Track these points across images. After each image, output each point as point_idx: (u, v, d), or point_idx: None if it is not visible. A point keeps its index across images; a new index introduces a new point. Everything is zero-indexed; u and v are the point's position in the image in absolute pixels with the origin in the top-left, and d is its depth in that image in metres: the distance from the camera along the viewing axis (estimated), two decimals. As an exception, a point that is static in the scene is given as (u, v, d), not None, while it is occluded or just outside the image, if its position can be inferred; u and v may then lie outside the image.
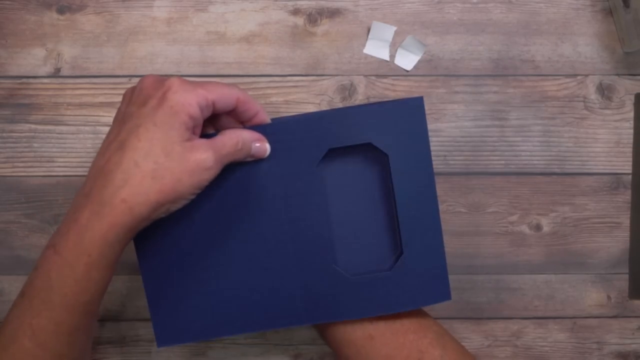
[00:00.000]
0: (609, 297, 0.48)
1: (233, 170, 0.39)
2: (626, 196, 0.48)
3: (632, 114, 0.49)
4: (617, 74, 0.49)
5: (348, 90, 0.48)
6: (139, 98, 0.35)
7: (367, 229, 0.41)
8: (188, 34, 0.48)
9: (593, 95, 0.48)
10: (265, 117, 0.39)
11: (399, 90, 0.48)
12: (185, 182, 0.34)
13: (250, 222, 0.40)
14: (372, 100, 0.48)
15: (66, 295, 0.34)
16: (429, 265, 0.40)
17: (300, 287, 0.40)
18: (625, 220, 0.48)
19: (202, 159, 0.35)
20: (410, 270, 0.40)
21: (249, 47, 0.48)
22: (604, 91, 0.49)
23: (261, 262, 0.40)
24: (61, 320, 0.34)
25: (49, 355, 0.35)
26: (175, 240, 0.40)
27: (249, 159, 0.39)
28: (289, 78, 0.48)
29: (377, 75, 0.48)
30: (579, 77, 0.49)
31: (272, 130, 0.39)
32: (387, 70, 0.48)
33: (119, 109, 0.37)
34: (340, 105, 0.48)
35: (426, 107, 0.48)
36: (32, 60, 0.47)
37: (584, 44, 0.49)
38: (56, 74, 0.47)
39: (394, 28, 0.48)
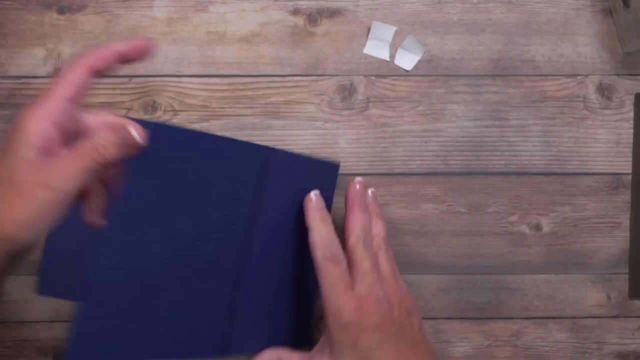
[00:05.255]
0: (609, 297, 0.48)
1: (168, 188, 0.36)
2: (626, 196, 0.48)
3: (632, 114, 0.49)
4: (617, 74, 0.49)
5: (348, 90, 0.48)
6: None
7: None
8: (188, 34, 0.48)
9: (593, 95, 0.49)
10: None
11: (399, 90, 0.48)
12: (22, 209, 0.30)
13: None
14: (372, 100, 0.48)
15: None
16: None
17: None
18: (625, 220, 0.48)
19: (44, 181, 0.31)
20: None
21: (249, 47, 0.48)
22: (604, 91, 0.49)
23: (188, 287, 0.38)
24: None
25: None
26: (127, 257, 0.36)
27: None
28: (289, 78, 0.48)
29: (377, 75, 0.48)
30: (578, 77, 0.49)
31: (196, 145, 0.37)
32: (387, 70, 0.48)
33: None
34: (340, 105, 0.48)
35: (426, 107, 0.48)
36: (32, 60, 0.47)
37: (584, 44, 0.49)
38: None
39: (394, 28, 0.48)
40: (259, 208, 0.40)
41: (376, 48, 0.48)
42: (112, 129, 0.32)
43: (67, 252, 0.45)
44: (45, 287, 0.45)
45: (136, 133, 0.32)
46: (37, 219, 0.31)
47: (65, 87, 0.32)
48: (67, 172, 0.31)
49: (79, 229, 0.37)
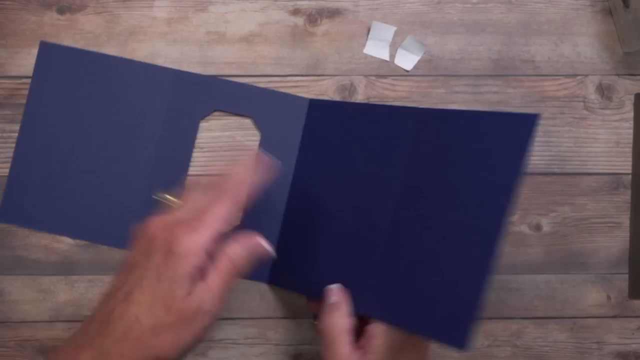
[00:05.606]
0: (609, 297, 0.48)
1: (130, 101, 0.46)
2: (626, 196, 0.48)
3: (631, 114, 0.49)
4: (617, 74, 0.49)
5: (348, 90, 0.48)
6: (146, 247, 0.35)
7: None
8: (188, 34, 0.48)
9: (593, 95, 0.49)
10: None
11: (399, 90, 0.48)
12: (183, 335, 0.34)
13: (127, 143, 0.46)
14: (372, 100, 0.48)
15: None
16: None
17: (140, 219, 0.38)
18: (625, 220, 0.48)
19: (201, 308, 0.34)
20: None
21: (249, 47, 0.48)
22: (604, 91, 0.49)
23: (116, 184, 0.46)
24: None
25: None
26: (59, 137, 0.46)
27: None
28: (289, 78, 0.48)
29: (377, 75, 0.48)
30: (578, 77, 0.49)
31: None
32: (387, 70, 0.48)
33: (130, 254, 0.36)
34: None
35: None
36: (32, 60, 0.47)
37: (583, 44, 0.49)
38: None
39: (394, 28, 0.48)
40: (412, 167, 0.40)
41: (376, 48, 0.48)
42: (240, 242, 0.37)
43: (33, 180, 0.47)
44: (6, 215, 0.46)
45: (266, 245, 0.37)
46: (196, 343, 0.35)
47: (220, 223, 0.35)
48: (219, 295, 0.35)
49: (49, 159, 0.46)
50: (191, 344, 0.34)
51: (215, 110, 0.47)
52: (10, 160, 0.47)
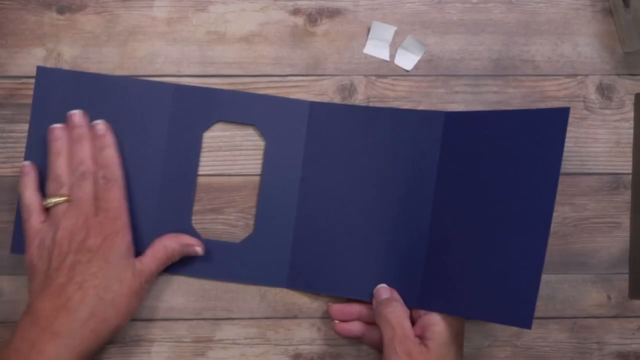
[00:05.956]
0: (609, 297, 0.48)
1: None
2: (626, 196, 0.48)
3: (632, 114, 0.49)
4: (617, 74, 0.49)
5: (348, 90, 0.48)
6: (70, 248, 0.41)
7: None
8: (188, 34, 0.48)
9: (593, 95, 0.48)
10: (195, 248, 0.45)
11: (399, 90, 0.48)
12: (135, 302, 0.43)
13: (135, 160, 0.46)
14: (372, 100, 0.48)
15: None
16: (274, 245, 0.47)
17: (152, 236, 0.45)
18: (625, 220, 0.48)
19: (146, 279, 0.43)
20: (257, 247, 0.47)
21: (249, 47, 0.48)
22: (604, 91, 0.49)
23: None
24: None
25: None
26: None
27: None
28: (289, 78, 0.48)
29: (377, 75, 0.48)
30: (579, 77, 0.49)
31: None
32: (387, 70, 0.48)
33: (36, 267, 0.42)
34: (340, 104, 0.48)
35: (426, 107, 0.48)
36: (32, 60, 0.47)
37: (584, 44, 0.49)
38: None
39: (394, 28, 0.48)
40: (446, 168, 0.44)
41: (376, 48, 0.48)
42: (175, 237, 0.45)
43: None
44: (19, 247, 0.46)
45: (199, 249, 0.45)
46: (138, 307, 0.44)
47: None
48: (155, 273, 0.44)
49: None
50: (137, 309, 0.43)
51: (217, 121, 0.47)
52: (9, 160, 0.47)
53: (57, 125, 0.44)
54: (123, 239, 0.42)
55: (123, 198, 0.43)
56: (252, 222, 0.47)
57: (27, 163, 0.45)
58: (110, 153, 0.44)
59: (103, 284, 0.41)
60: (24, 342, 0.39)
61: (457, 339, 0.43)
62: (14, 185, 0.47)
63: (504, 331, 0.48)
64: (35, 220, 0.43)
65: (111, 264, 0.41)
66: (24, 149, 0.47)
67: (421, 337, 0.42)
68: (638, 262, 0.48)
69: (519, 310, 0.39)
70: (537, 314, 0.48)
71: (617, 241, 0.48)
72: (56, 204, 0.42)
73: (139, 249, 0.44)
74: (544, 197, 0.39)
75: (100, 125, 0.44)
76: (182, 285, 0.47)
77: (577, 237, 0.48)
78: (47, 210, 0.43)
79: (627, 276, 0.48)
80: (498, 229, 0.41)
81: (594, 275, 0.48)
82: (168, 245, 0.44)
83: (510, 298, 0.40)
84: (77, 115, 0.44)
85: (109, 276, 0.41)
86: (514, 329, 0.48)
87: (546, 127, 0.39)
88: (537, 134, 0.40)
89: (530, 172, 0.40)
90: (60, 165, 0.43)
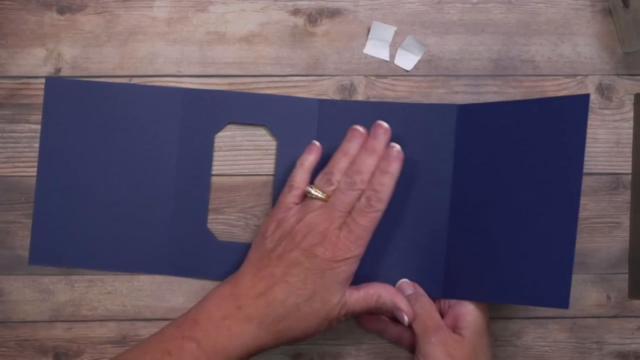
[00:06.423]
0: (608, 297, 0.48)
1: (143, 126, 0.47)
2: (626, 196, 0.48)
3: (631, 114, 0.49)
4: (617, 74, 0.49)
5: (348, 90, 0.48)
6: (300, 243, 0.40)
7: None
8: (188, 34, 0.48)
9: (593, 96, 0.49)
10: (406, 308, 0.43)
11: (399, 90, 0.48)
12: (324, 328, 0.41)
13: (141, 173, 0.46)
14: (372, 100, 0.48)
15: None
16: None
17: (169, 241, 0.46)
18: (625, 220, 0.48)
19: (345, 314, 0.41)
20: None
21: (249, 47, 0.48)
22: (604, 91, 0.49)
23: (141, 209, 0.46)
24: None
25: None
26: (77, 173, 0.46)
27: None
28: (289, 78, 0.48)
29: (377, 75, 0.48)
30: (578, 77, 0.49)
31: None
32: (387, 70, 0.48)
33: (267, 236, 0.42)
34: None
35: (426, 107, 0.48)
36: (32, 60, 0.47)
37: (583, 44, 0.49)
38: (56, 74, 0.47)
39: (394, 28, 0.48)
40: (462, 159, 0.45)
41: (376, 48, 0.48)
42: (393, 294, 0.43)
43: (58, 219, 0.46)
44: (37, 257, 0.46)
45: (406, 319, 0.42)
46: (321, 333, 0.42)
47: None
48: (352, 314, 0.42)
49: (71, 195, 0.46)
50: (317, 336, 0.42)
51: (228, 124, 0.47)
52: (9, 160, 0.47)
53: (360, 128, 0.43)
54: (348, 267, 0.40)
55: (371, 230, 0.41)
56: (252, 222, 0.47)
57: (317, 144, 0.45)
58: (389, 181, 0.41)
59: (307, 296, 0.40)
60: (219, 310, 0.40)
61: (488, 329, 0.44)
62: (14, 185, 0.47)
63: (504, 331, 0.48)
64: (292, 198, 0.43)
65: (325, 282, 0.40)
66: (24, 149, 0.47)
67: (454, 328, 0.42)
68: (638, 262, 0.48)
69: (554, 290, 0.39)
70: (536, 313, 0.48)
71: (617, 241, 0.48)
72: (314, 198, 0.42)
73: (155, 254, 0.46)
74: (571, 178, 0.40)
75: (396, 149, 0.42)
76: (182, 285, 0.47)
77: (577, 237, 0.48)
78: (304, 196, 0.43)
79: (626, 276, 0.48)
80: (523, 213, 0.42)
81: (594, 275, 0.48)
82: (383, 296, 0.42)
83: (543, 279, 0.40)
84: (382, 128, 0.43)
85: (317, 292, 0.40)
86: (514, 328, 0.48)
87: (568, 114, 0.40)
88: (560, 120, 0.41)
89: (555, 156, 0.41)
90: (340, 164, 0.43)
